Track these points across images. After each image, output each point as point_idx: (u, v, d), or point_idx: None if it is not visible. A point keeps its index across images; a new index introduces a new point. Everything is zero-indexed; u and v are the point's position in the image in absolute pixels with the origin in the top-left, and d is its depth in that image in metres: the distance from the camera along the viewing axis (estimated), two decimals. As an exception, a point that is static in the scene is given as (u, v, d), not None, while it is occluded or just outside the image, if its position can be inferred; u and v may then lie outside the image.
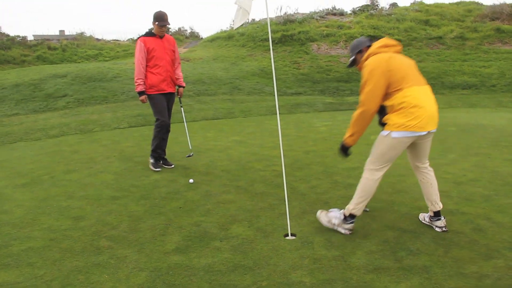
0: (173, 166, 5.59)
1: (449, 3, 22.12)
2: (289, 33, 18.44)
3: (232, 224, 3.75)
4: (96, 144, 7.17)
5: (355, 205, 3.46)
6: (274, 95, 12.38)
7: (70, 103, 11.52)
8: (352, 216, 3.49)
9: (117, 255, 3.24)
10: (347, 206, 3.51)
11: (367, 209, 4.00)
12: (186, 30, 27.78)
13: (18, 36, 21.78)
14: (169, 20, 5.27)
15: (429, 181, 3.54)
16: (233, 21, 4.12)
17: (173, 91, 5.49)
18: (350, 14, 21.84)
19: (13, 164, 6.08)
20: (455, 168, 5.31)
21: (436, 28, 18.71)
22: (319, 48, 17.80)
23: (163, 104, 5.33)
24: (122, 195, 4.57)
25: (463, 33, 18.08)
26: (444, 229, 3.51)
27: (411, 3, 22.15)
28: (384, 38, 3.49)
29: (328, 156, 6.02)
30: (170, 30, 26.74)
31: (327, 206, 4.07)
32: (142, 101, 5.27)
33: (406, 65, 3.34)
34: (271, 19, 20.41)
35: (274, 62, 16.23)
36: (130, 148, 6.79)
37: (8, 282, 2.88)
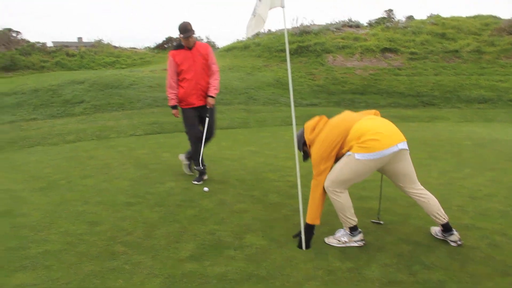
0: (202, 181, 5.39)
1: (466, 17, 21.96)
2: (305, 44, 18.49)
3: (246, 234, 3.76)
4: (112, 150, 7.26)
5: (344, 222, 3.49)
6: (290, 106, 12.40)
7: (87, 109, 11.69)
8: (354, 227, 3.48)
9: (132, 260, 3.27)
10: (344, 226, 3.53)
11: (381, 222, 3.99)
12: (202, 40, 28.03)
13: (38, 42, 22.18)
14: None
15: (426, 200, 3.44)
16: (246, 28, 4.13)
17: (203, 104, 5.25)
18: (366, 26, 21.83)
19: (31, 168, 6.20)
20: (470, 182, 5.25)
21: (452, 41, 18.59)
22: (334, 59, 17.81)
23: (191, 119, 5.22)
24: (137, 202, 4.62)
25: (480, 46, 17.93)
26: (459, 242, 3.46)
27: (427, 16, 22.07)
28: (305, 127, 3.58)
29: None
30: (198, 38, 27.00)
31: (341, 218, 4.06)
32: (174, 115, 5.26)
33: (340, 120, 3.39)
34: (287, 30, 20.53)
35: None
36: (145, 155, 6.87)
37: (25, 284, 2.93)
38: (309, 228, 3.50)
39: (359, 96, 14.49)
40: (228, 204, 4.53)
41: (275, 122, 10.18)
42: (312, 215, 3.47)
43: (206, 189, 4.99)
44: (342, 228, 3.60)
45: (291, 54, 17.91)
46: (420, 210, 4.26)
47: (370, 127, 3.23)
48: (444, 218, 3.43)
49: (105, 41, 24.96)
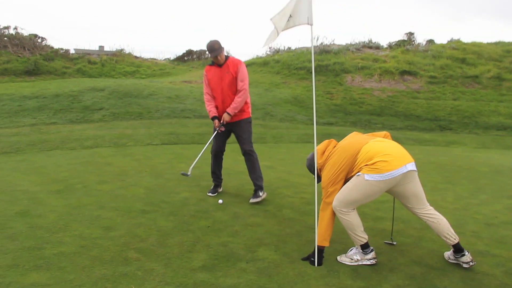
0: (216, 193, 5.43)
1: (487, 43, 21.90)
2: (324, 63, 18.60)
3: (259, 247, 3.76)
4: (129, 158, 7.35)
5: (355, 239, 3.49)
6: (307, 124, 12.44)
7: (106, 117, 11.88)
8: (366, 245, 3.47)
9: (144, 267, 3.29)
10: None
11: (394, 243, 3.96)
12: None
13: (61, 49, 22.72)
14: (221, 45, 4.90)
15: (435, 221, 3.44)
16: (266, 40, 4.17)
17: (232, 121, 5.12)
18: (386, 48, 21.89)
19: (49, 171, 6.31)
20: (486, 209, 5.19)
21: (472, 67, 18.52)
22: (353, 80, 17.86)
23: (217, 134, 5.20)
24: (152, 210, 4.67)
25: (500, 73, 17.83)
26: (471, 263, 3.41)
27: (448, 41, 22.06)
28: (316, 151, 3.60)
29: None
30: (207, 53, 27.31)
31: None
32: (214, 125, 5.18)
33: (349, 143, 3.45)
34: (307, 49, 20.68)
35: (308, 91, 16.35)
36: (162, 164, 6.94)
37: (39, 283, 2.97)
38: (318, 250, 3.50)
39: (376, 117, 14.46)
40: (242, 217, 4.55)
41: (291, 139, 10.20)
42: (320, 237, 3.48)
43: (220, 201, 5.02)
44: (355, 247, 3.59)
45: (309, 72, 18.01)
46: (433, 233, 4.23)
47: (378, 149, 3.29)
48: (454, 239, 3.42)
49: (127, 50, 25.43)
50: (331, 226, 3.49)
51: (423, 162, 7.97)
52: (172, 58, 27.39)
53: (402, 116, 14.61)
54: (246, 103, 5.10)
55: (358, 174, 3.29)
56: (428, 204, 3.48)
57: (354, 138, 3.51)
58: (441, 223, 3.42)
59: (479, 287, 3.17)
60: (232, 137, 5.37)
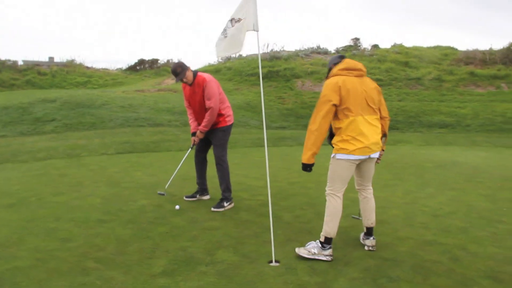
0: (195, 198, 5.46)
1: (427, 47, 23.07)
2: (275, 69, 18.91)
3: (218, 250, 3.83)
4: (84, 169, 7.19)
5: (326, 228, 3.73)
6: (260, 128, 12.61)
7: (58, 128, 11.53)
8: (328, 241, 3.69)
9: (104, 276, 3.28)
10: (321, 233, 3.75)
11: (360, 217, 4.16)
12: (174, 62, 28.17)
13: (9, 60, 21.80)
14: (179, 69, 4.91)
15: (366, 200, 3.98)
16: (215, 47, 4.27)
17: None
18: (334, 53, 22.57)
19: (-1, 185, 6.08)
20: (432, 201, 5.52)
21: (415, 69, 19.45)
22: (303, 84, 18.28)
23: (197, 144, 5.27)
24: (109, 219, 4.62)
25: (440, 75, 18.84)
26: (371, 248, 3.84)
27: (391, 45, 23.03)
28: (346, 61, 3.78)
29: (311, 187, 6.18)
30: (159, 62, 27.08)
31: (310, 235, 4.20)
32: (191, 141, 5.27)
33: (357, 92, 3.66)
34: (257, 55, 20.96)
35: (259, 96, 16.55)
36: (117, 173, 6.85)
37: (-6, 300, 2.90)
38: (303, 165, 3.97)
39: (328, 119, 14.86)
40: (200, 222, 4.59)
41: (245, 144, 10.32)
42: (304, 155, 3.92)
43: (177, 207, 5.04)
44: (314, 241, 3.77)
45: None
46: (386, 227, 4.48)
47: (363, 132, 3.65)
48: (371, 223, 3.93)
49: (78, 61, 24.79)
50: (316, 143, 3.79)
51: (373, 161, 8.32)
52: (124, 67, 26.95)
53: (352, 118, 15.12)
54: (222, 115, 5.10)
55: (332, 155, 3.83)
56: (371, 186, 4.02)
57: (357, 96, 3.66)
58: (369, 204, 3.96)
59: (428, 274, 3.39)
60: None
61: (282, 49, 22.38)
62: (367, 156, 3.71)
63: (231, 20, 4.04)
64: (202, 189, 5.50)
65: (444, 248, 3.93)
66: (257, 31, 3.88)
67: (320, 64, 19.88)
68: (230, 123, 5.22)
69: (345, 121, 3.65)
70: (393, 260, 3.64)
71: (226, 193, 5.15)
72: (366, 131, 3.65)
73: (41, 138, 10.40)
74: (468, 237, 4.23)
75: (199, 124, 5.18)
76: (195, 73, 5.02)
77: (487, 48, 20.90)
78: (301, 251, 3.71)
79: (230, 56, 22.76)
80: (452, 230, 4.43)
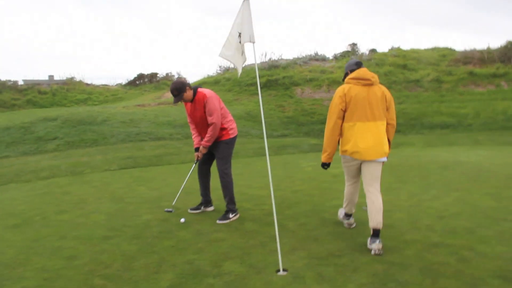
0: (200, 210, 5.47)
1: (425, 49, 23.12)
2: (274, 77, 18.98)
3: (225, 261, 3.81)
4: (87, 186, 7.20)
5: (344, 207, 4.65)
6: (261, 137, 12.62)
7: (61, 146, 11.57)
8: (347, 214, 4.67)
9: (111, 293, 3.27)
10: (344, 210, 4.68)
11: (365, 208, 4.37)
12: (173, 76, 28.30)
13: (9, 81, 21.97)
14: (178, 89, 4.90)
15: (371, 201, 4.11)
16: (238, 69, 4.38)
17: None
18: (332, 59, 22.63)
19: (4, 205, 6.09)
20: (437, 203, 5.50)
21: (413, 72, 19.49)
22: (303, 92, 18.32)
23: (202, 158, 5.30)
24: (114, 235, 4.62)
25: (439, 76, 18.86)
26: (377, 252, 3.88)
27: (389, 49, 23.09)
28: (358, 70, 4.19)
29: (315, 194, 6.17)
30: (158, 76, 27.25)
31: (316, 243, 4.19)
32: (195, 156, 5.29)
33: (360, 99, 4.07)
34: (253, 65, 21.03)
35: (259, 106, 16.59)
36: (121, 189, 6.85)
37: (3, 322, 2.89)
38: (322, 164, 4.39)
39: (329, 126, 14.88)
40: (205, 234, 4.58)
41: (247, 153, 10.32)
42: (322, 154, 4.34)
43: (182, 220, 5.03)
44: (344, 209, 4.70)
45: (260, 87, 18.32)
46: (392, 231, 4.46)
47: (360, 137, 4.07)
48: (376, 224, 4.01)
49: (77, 78, 24.96)
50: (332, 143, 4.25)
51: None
52: (123, 83, 27.10)
53: (353, 123, 15.13)
54: (224, 128, 5.12)
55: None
56: (378, 187, 4.17)
57: (360, 103, 4.06)
58: (374, 205, 4.06)
59: (437, 276, 3.37)
60: None
61: (280, 58, 22.49)
62: (360, 160, 4.14)
63: (239, 35, 4.10)
64: (206, 201, 5.50)
65: (452, 249, 3.91)
66: (254, 42, 3.94)
67: (318, 71, 19.94)
68: (233, 135, 5.23)
69: (346, 126, 4.12)
70: (401, 264, 3.62)
71: (230, 205, 5.15)
72: (360, 137, 4.04)
73: (43, 157, 10.43)
74: (475, 237, 4.21)
75: (202, 139, 5.21)
76: (195, 89, 5.03)
77: (485, 47, 20.94)
78: (339, 212, 4.87)
79: (229, 67, 22.90)
80: (459, 231, 4.41)
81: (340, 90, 4.14)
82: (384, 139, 4.10)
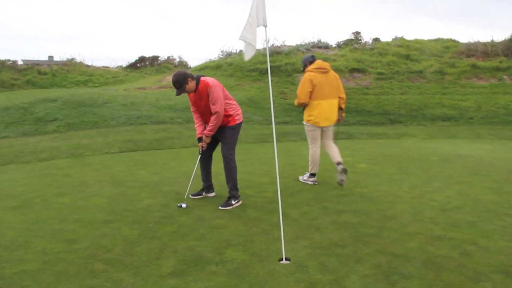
0: (201, 196, 5.46)
1: (428, 40, 22.93)
2: (276, 64, 18.82)
3: (227, 249, 3.80)
4: (88, 168, 7.16)
5: (311, 170, 6.13)
6: (263, 124, 12.56)
7: (61, 127, 11.49)
8: (313, 174, 6.15)
9: (113, 278, 3.25)
10: (309, 171, 6.15)
11: (316, 182, 6.11)
12: (175, 59, 28.09)
13: (8, 60, 21.76)
14: (178, 79, 4.84)
15: (329, 147, 6.02)
16: (243, 53, 4.28)
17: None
18: (335, 47, 22.44)
19: (4, 187, 6.04)
20: (439, 195, 5.48)
21: (416, 62, 19.34)
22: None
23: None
24: (115, 219, 4.59)
25: (442, 68, 18.73)
26: (341, 181, 5.67)
27: (392, 39, 22.89)
28: (316, 62, 5.90)
29: (317, 182, 6.14)
30: (160, 59, 27.06)
31: (319, 232, 4.17)
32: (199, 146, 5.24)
33: (321, 84, 5.76)
34: (258, 50, 20.86)
35: (261, 92, 16.51)
36: (121, 172, 6.81)
37: (3, 304, 2.87)
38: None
39: (330, 114, 14.81)
40: (207, 220, 4.56)
41: (248, 140, 10.27)
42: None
43: (184, 205, 5.01)
44: (307, 173, 6.23)
45: (262, 74, 18.19)
46: (394, 222, 4.45)
47: (319, 110, 5.84)
48: (339, 159, 5.80)
49: (78, 59, 24.77)
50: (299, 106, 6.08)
51: (377, 155, 8.28)
52: (124, 65, 26.90)
53: (354, 112, 15.06)
54: (230, 115, 5.08)
55: (304, 123, 6.08)
56: (331, 141, 6.10)
57: (321, 86, 5.78)
58: (331, 148, 6.02)
59: (440, 269, 3.36)
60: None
61: (283, 44, 22.29)
62: (320, 127, 5.93)
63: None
64: (208, 186, 5.47)
65: (454, 243, 3.90)
66: (266, 26, 3.87)
67: (321, 58, 19.68)
68: (239, 121, 5.20)
69: (312, 102, 5.83)
70: (404, 256, 3.61)
71: (233, 191, 5.12)
72: (321, 111, 5.82)
73: (43, 138, 10.36)
74: (477, 231, 4.20)
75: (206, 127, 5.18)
76: (198, 79, 4.95)
77: (489, 40, 20.77)
78: (300, 178, 6.28)
79: (231, 52, 22.71)
80: (461, 224, 4.40)
81: (307, 77, 5.76)
82: (336, 111, 5.96)
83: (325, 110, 5.79)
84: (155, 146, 9.28)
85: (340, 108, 6.04)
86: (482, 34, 71.47)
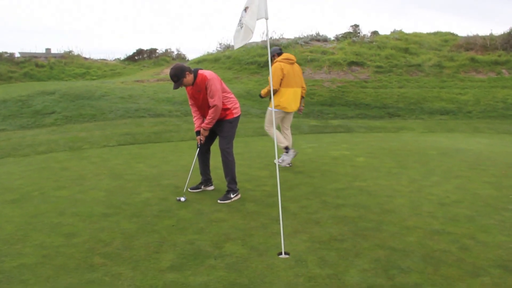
0: (200, 190, 5.46)
1: (427, 33, 22.86)
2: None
3: (226, 243, 3.79)
4: (86, 162, 7.14)
5: (284, 146, 6.69)
6: (261, 117, 12.53)
7: (58, 120, 11.45)
8: (286, 147, 6.71)
9: (111, 272, 3.24)
10: (283, 148, 6.71)
11: (296, 152, 6.80)
12: (173, 52, 27.97)
13: (6, 53, 21.62)
14: (176, 73, 4.80)
15: (287, 135, 6.81)
16: (234, 39, 4.23)
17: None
18: (334, 40, 22.37)
19: (1, 180, 6.03)
20: (438, 189, 5.49)
21: (415, 56, 19.31)
22: (303, 72, 18.12)
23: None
24: (114, 212, 4.58)
25: (440, 61, 18.70)
26: (286, 162, 6.69)
27: (391, 32, 22.82)
28: (285, 54, 6.59)
29: (316, 176, 6.14)
30: (158, 52, 26.95)
31: (318, 226, 4.17)
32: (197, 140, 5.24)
33: (289, 73, 6.44)
34: (256, 43, 20.78)
35: (260, 85, 16.45)
36: (120, 166, 6.80)
37: (2, 298, 2.86)
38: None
39: (328, 107, 14.80)
40: (206, 214, 4.55)
41: (247, 133, 10.26)
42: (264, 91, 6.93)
43: (183, 198, 5.00)
44: (283, 154, 6.74)
45: (261, 67, 18.14)
46: (393, 216, 4.45)
47: (287, 96, 6.50)
48: (288, 144, 6.74)
49: (75, 52, 24.64)
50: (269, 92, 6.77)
51: (376, 149, 8.28)
52: (122, 58, 26.77)
53: (352, 105, 15.05)
54: (228, 109, 5.06)
55: (269, 108, 6.67)
56: (290, 128, 6.93)
57: (289, 75, 6.45)
58: (289, 137, 6.85)
59: (439, 264, 3.36)
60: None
61: (281, 37, 22.21)
62: (285, 112, 6.59)
63: (245, 9, 3.97)
64: (207, 179, 5.47)
65: (453, 237, 3.90)
66: (267, 18, 3.85)
67: (319, 51, 19.72)
68: (237, 115, 5.18)
69: (281, 90, 6.45)
70: (403, 250, 3.61)
71: (232, 184, 5.11)
72: (288, 98, 6.47)
73: (41, 131, 10.33)
74: (476, 225, 4.20)
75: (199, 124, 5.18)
76: (195, 72, 4.92)
77: (488, 34, 20.73)
78: (279, 161, 6.61)
79: (229, 45, 22.60)
80: (460, 219, 4.40)
81: (278, 66, 6.39)
82: (299, 99, 6.69)
83: (291, 97, 6.50)
84: (153, 139, 9.25)
85: (302, 97, 6.82)
86: (481, 27, 71.43)
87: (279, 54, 6.60)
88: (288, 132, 6.85)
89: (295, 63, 6.63)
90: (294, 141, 9.35)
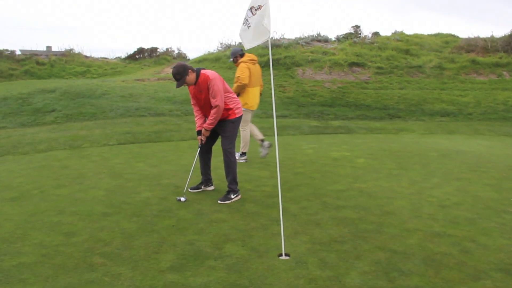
0: (200, 190, 5.44)
1: (428, 35, 22.85)
2: (275, 57, 18.73)
3: (226, 243, 3.78)
4: (86, 160, 7.13)
5: (242, 147, 7.05)
6: (261, 117, 12.52)
7: (59, 118, 11.44)
8: (243, 153, 7.11)
9: (111, 272, 3.23)
10: (242, 150, 7.09)
11: (247, 160, 7.12)
12: (173, 51, 27.91)
13: (6, 50, 21.59)
14: (178, 71, 4.80)
15: (254, 128, 7.15)
16: (242, 40, 4.22)
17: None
18: (335, 41, 22.34)
19: (1, 178, 6.01)
20: (438, 191, 5.48)
21: (416, 57, 19.28)
22: (304, 72, 18.13)
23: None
24: (113, 212, 4.57)
25: (441, 63, 18.68)
26: (263, 153, 7.13)
27: (392, 33, 22.80)
28: (248, 55, 6.91)
29: (316, 177, 6.13)
30: (158, 51, 26.92)
31: (318, 227, 4.16)
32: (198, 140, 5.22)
33: (252, 73, 6.79)
34: (258, 44, 20.71)
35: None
36: (120, 165, 6.78)
37: (1, 298, 2.85)
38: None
39: (328, 108, 14.79)
40: (206, 214, 4.54)
41: (247, 133, 10.23)
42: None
43: (183, 199, 4.98)
44: (238, 153, 6.92)
45: (262, 66, 18.09)
46: (393, 218, 4.44)
47: (252, 96, 6.90)
48: (261, 137, 7.13)
49: (76, 50, 24.62)
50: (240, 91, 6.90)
51: (376, 150, 8.26)
52: (123, 56, 26.70)
53: (353, 106, 15.03)
54: (230, 109, 5.06)
55: (243, 109, 5.95)
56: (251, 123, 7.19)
57: (253, 75, 6.84)
58: (255, 129, 7.16)
59: (440, 267, 3.35)
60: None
61: (282, 37, 22.17)
62: (252, 111, 6.99)
63: (251, 8, 3.97)
64: (207, 179, 5.45)
65: (454, 240, 3.90)
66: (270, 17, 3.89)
67: (320, 52, 19.70)
68: (239, 115, 5.18)
69: (247, 90, 6.80)
70: (403, 252, 3.60)
71: (233, 185, 5.10)
72: (253, 97, 6.87)
73: (41, 129, 10.31)
74: (477, 228, 4.20)
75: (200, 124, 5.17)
76: (198, 72, 4.91)
77: (489, 36, 20.71)
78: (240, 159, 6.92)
79: (230, 44, 22.56)
80: (460, 221, 4.39)
81: (245, 66, 6.74)
82: (259, 96, 7.07)
83: (255, 96, 6.92)
84: (154, 139, 9.24)
85: (260, 94, 7.25)
86: (482, 29, 71.43)
87: (242, 55, 6.90)
88: (253, 126, 7.28)
89: (257, 63, 7.02)
90: (294, 141, 9.38)
